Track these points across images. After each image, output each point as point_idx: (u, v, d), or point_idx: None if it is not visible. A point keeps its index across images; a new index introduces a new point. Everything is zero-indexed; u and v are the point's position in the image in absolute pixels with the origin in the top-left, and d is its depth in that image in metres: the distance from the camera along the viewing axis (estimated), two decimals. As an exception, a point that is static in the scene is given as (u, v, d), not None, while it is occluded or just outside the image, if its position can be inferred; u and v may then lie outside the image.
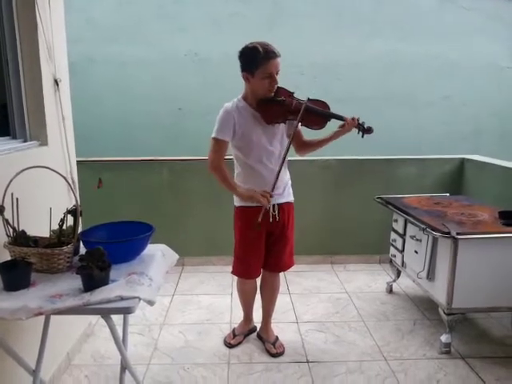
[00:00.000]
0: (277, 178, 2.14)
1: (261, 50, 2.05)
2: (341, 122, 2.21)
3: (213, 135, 2.17)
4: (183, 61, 4.75)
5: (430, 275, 2.54)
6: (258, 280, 2.51)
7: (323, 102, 2.22)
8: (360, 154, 3.78)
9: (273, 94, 2.16)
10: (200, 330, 2.72)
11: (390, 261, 3.16)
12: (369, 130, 2.20)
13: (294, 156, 2.43)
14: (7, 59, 2.04)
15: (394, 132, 4.86)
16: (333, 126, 2.24)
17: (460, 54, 4.93)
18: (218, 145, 2.16)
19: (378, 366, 2.35)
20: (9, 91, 2.07)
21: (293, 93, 2.21)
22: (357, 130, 2.20)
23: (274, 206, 2.27)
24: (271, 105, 2.17)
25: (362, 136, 2.21)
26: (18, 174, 1.61)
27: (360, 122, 2.20)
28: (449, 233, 2.28)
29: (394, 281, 3.23)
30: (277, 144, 2.25)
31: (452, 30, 4.87)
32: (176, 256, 1.98)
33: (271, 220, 2.28)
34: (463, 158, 3.77)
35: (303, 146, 2.38)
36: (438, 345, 2.47)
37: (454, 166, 3.77)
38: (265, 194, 2.13)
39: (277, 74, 2.12)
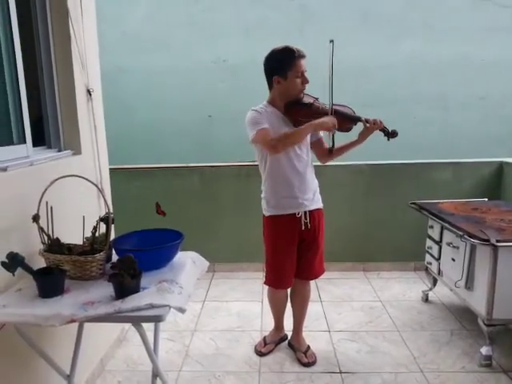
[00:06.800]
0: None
1: (294, 49, 2.09)
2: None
3: (254, 131, 2.09)
4: (212, 68, 4.78)
5: (469, 284, 2.43)
6: (288, 288, 2.47)
7: (348, 106, 2.22)
8: (392, 159, 3.69)
9: (302, 95, 2.17)
10: (230, 337, 2.71)
11: (426, 268, 3.06)
12: (393, 134, 2.15)
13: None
14: (42, 70, 2.11)
15: (426, 135, 4.73)
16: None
17: (496, 54, 4.75)
18: (265, 131, 2.08)
19: (414, 378, 2.26)
20: (44, 102, 2.13)
21: (317, 98, 2.22)
22: (382, 134, 2.17)
23: (305, 213, 2.24)
24: (299, 108, 2.16)
25: (388, 139, 2.17)
26: (52, 183, 1.64)
27: (384, 125, 2.16)
28: (488, 240, 2.18)
29: (430, 289, 3.12)
30: (304, 148, 2.23)
31: (486, 28, 4.70)
32: (206, 263, 1.97)
33: (303, 228, 2.25)
34: (502, 162, 3.62)
35: (326, 153, 2.32)
36: (478, 357, 2.36)
37: (493, 170, 3.62)
38: (332, 117, 2.07)
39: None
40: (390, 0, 4.74)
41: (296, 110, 2.17)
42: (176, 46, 4.78)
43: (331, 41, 2.04)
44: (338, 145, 2.27)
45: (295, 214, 2.23)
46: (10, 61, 1.81)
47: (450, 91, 4.84)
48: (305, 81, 2.15)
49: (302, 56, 2.11)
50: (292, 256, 2.30)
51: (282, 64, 2.12)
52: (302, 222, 2.24)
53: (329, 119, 2.06)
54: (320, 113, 2.13)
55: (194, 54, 4.79)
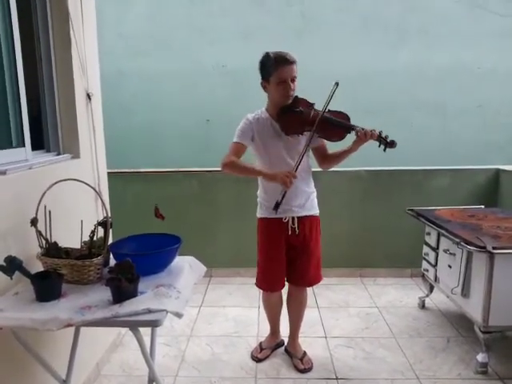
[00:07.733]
0: (297, 165, 2.07)
1: (272, 56, 2.09)
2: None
3: (233, 140, 2.22)
4: (211, 73, 4.80)
5: (465, 291, 2.44)
6: (285, 294, 2.47)
7: (343, 113, 2.17)
8: (390, 165, 3.70)
9: (290, 101, 2.15)
10: (227, 342, 2.71)
11: (423, 275, 3.07)
12: (392, 144, 2.06)
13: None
14: (42, 73, 2.11)
15: (424, 142, 4.75)
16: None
17: (493, 62, 4.79)
18: (234, 146, 2.19)
19: (411, 384, 2.27)
20: (43, 105, 2.14)
21: (313, 104, 2.18)
22: (378, 144, 2.08)
23: (293, 218, 2.24)
24: (289, 115, 2.15)
25: (384, 150, 2.08)
26: (50, 186, 1.64)
27: (383, 135, 2.07)
28: (484, 247, 2.19)
29: (427, 296, 3.12)
30: (295, 157, 2.15)
31: (483, 36, 4.74)
32: (204, 268, 1.97)
33: (289, 232, 2.25)
34: (498, 169, 3.64)
35: (326, 159, 2.30)
36: (474, 364, 2.36)
37: (489, 177, 3.64)
38: (288, 174, 2.00)
39: (292, 81, 2.11)
40: (389, 7, 4.77)
41: (286, 116, 2.15)
42: (175, 49, 4.78)
43: (336, 83, 2.05)
44: (332, 151, 2.27)
45: (282, 218, 2.23)
46: (11, 64, 1.82)
47: (447, 98, 4.86)
48: (288, 88, 2.10)
49: (283, 63, 2.07)
50: (279, 260, 2.30)
51: (264, 69, 2.14)
52: (289, 228, 2.24)
53: (283, 176, 1.98)
54: (310, 121, 2.10)
55: (193, 58, 4.79)
